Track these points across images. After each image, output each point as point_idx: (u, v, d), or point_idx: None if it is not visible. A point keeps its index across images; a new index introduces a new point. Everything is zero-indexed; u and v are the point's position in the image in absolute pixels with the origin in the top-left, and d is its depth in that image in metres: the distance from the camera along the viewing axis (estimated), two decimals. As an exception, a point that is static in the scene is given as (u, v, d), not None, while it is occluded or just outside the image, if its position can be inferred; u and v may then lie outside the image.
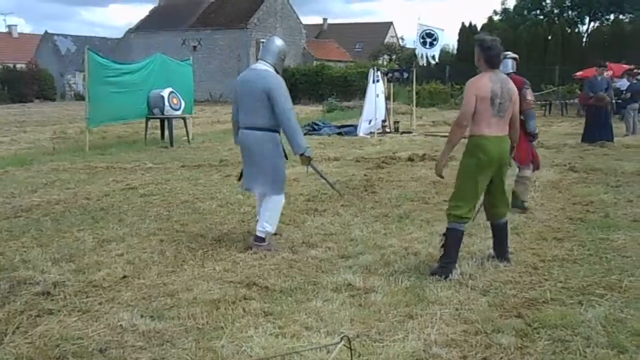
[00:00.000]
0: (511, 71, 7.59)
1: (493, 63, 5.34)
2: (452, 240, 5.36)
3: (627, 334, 4.05)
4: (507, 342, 3.96)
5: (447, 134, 17.69)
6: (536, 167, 8.14)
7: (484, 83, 5.26)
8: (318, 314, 4.42)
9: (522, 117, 6.99)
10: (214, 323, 4.28)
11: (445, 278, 5.18)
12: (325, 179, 7.07)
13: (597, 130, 15.56)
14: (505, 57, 7.31)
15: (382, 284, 5.03)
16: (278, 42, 6.28)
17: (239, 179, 6.55)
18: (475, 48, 5.44)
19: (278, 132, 6.09)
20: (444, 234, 5.44)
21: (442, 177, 5.68)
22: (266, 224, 6.06)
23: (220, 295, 4.78)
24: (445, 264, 5.32)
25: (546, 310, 4.46)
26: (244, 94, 6.10)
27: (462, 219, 5.34)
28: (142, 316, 4.41)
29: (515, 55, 7.95)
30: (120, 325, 4.26)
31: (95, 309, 4.57)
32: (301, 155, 6.08)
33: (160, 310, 4.52)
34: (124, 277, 5.24)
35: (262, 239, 6.07)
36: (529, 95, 7.60)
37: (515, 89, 5.48)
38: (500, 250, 5.72)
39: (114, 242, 6.37)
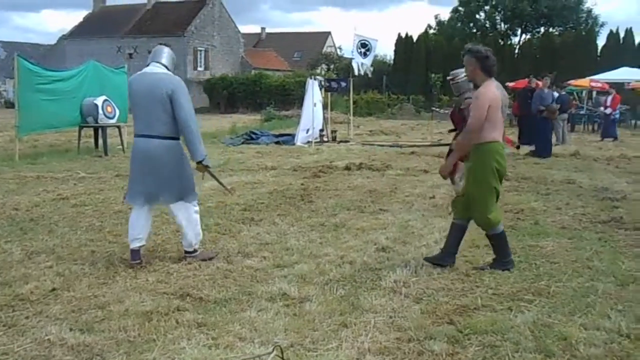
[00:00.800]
0: None
1: (491, 72, 5.57)
2: (502, 242, 5.75)
3: (554, 339, 4.16)
4: (439, 348, 4.01)
5: (383, 143, 17.91)
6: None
7: (494, 92, 5.50)
8: (252, 324, 4.39)
9: None
10: (145, 335, 4.20)
11: (511, 268, 5.64)
12: (217, 180, 6.71)
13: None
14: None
15: (317, 293, 5.03)
16: (167, 48, 6.01)
17: (125, 196, 6.13)
18: (469, 59, 5.65)
19: (179, 139, 5.80)
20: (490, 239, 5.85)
21: (445, 178, 6.03)
22: (190, 239, 5.95)
23: (152, 306, 4.70)
24: (505, 262, 5.69)
25: (477, 317, 4.54)
26: (140, 99, 5.66)
27: (499, 221, 5.72)
28: (71, 329, 4.28)
29: None
30: (48, 339, 4.13)
31: (21, 323, 4.42)
32: (199, 162, 5.87)
33: (90, 323, 4.40)
34: (53, 289, 5.09)
35: (192, 251, 5.99)
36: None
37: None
38: (452, 252, 5.88)
39: (44, 253, 6.19)
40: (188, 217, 5.92)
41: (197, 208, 6.08)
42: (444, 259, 5.81)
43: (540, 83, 19.13)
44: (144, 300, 4.85)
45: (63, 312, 4.62)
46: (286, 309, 4.71)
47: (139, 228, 5.84)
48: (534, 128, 18.99)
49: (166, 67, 5.79)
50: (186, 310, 4.65)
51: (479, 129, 5.45)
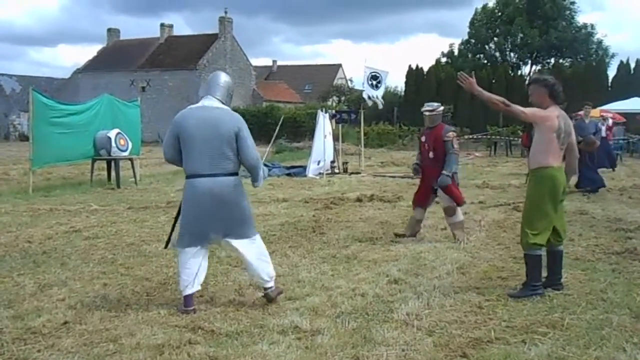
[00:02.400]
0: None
1: (559, 98, 5.83)
2: (535, 265, 5.86)
3: (568, 372, 4.11)
4: (452, 382, 3.97)
5: (395, 174, 17.85)
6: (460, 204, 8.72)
7: (554, 118, 5.73)
8: (264, 358, 4.37)
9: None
10: (157, 369, 4.19)
11: (540, 295, 5.76)
12: None
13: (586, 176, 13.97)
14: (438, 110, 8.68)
15: (328, 326, 5.01)
16: (224, 76, 5.72)
17: (168, 241, 5.97)
18: (536, 88, 5.91)
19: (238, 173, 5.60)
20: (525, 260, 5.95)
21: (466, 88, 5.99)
22: (268, 270, 5.64)
23: (164, 339, 4.69)
24: (535, 287, 5.82)
25: (491, 350, 4.50)
26: (202, 135, 5.32)
27: (540, 245, 5.83)
28: (82, 363, 4.29)
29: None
30: (60, 373, 4.14)
31: (33, 356, 4.42)
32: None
33: (102, 357, 4.40)
34: (65, 322, 5.10)
35: (271, 286, 5.67)
36: (455, 143, 8.51)
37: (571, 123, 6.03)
38: (554, 278, 6.06)
39: (56, 286, 6.21)
40: (259, 252, 5.64)
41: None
42: (552, 283, 6.03)
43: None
44: (155, 333, 4.84)
45: (75, 345, 4.62)
46: (298, 342, 4.69)
47: (196, 272, 5.48)
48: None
49: (221, 101, 5.56)
50: (198, 344, 4.63)
51: (519, 115, 5.80)
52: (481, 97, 5.87)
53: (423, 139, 8.76)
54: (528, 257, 5.90)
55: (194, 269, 5.46)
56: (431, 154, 8.49)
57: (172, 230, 5.95)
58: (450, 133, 8.44)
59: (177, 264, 5.61)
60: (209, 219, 5.41)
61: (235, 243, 5.53)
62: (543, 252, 5.92)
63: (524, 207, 6.06)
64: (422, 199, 8.83)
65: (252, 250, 5.60)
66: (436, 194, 8.67)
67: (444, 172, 8.32)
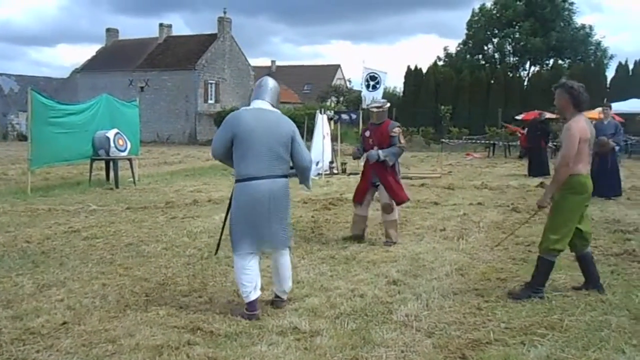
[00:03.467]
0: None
1: (582, 107, 5.81)
2: (546, 270, 5.90)
3: (568, 374, 4.12)
4: (451, 383, 3.97)
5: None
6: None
7: (583, 126, 5.74)
8: (263, 359, 4.37)
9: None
10: (156, 370, 4.19)
11: (540, 297, 5.76)
12: None
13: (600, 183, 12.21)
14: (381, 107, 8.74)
15: (327, 327, 5.01)
16: (272, 81, 5.78)
17: (218, 247, 6.07)
18: (561, 94, 5.88)
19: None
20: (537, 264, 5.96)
21: (543, 208, 6.09)
22: (290, 284, 5.70)
23: (163, 340, 4.68)
24: (537, 289, 5.82)
25: (490, 351, 4.51)
26: (264, 137, 5.31)
27: (558, 251, 5.89)
28: (81, 364, 4.28)
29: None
30: (59, 373, 4.14)
31: (32, 357, 4.42)
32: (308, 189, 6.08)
33: (101, 357, 4.40)
34: (64, 323, 5.09)
35: (285, 298, 5.70)
36: (402, 138, 8.77)
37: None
38: (593, 279, 6.09)
39: (54, 287, 6.20)
40: (289, 261, 5.68)
41: None
42: (597, 287, 6.04)
43: (549, 115, 19.06)
44: (154, 334, 4.83)
45: (74, 346, 4.62)
46: (297, 343, 4.69)
47: (256, 277, 5.42)
48: (544, 159, 18.98)
49: (272, 104, 5.60)
50: (197, 345, 4.63)
51: (572, 160, 5.67)
52: (549, 192, 5.96)
53: (367, 134, 8.79)
54: (542, 260, 5.89)
55: (255, 274, 5.41)
56: (376, 149, 8.53)
57: (221, 236, 5.97)
58: (397, 129, 8.63)
59: (235, 271, 5.49)
60: (268, 221, 5.36)
61: (280, 252, 5.57)
62: (555, 258, 5.93)
63: (550, 212, 5.95)
64: (362, 195, 8.81)
65: (287, 259, 5.64)
66: (377, 188, 8.71)
67: (380, 151, 8.45)
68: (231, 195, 5.54)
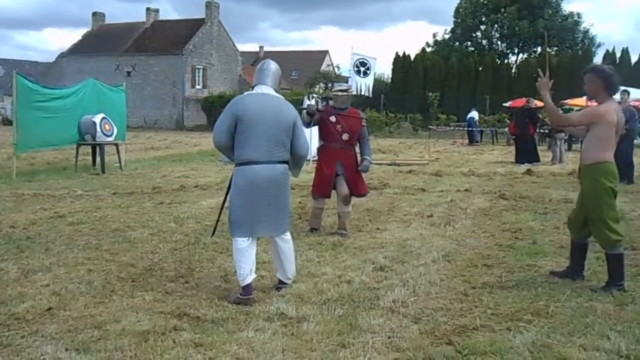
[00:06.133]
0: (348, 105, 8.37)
1: (614, 90, 5.72)
2: (620, 263, 5.73)
3: (553, 359, 4.13)
4: (437, 369, 3.98)
5: (381, 162, 17.85)
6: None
7: (612, 113, 5.61)
8: (250, 344, 4.36)
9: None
10: (142, 355, 4.16)
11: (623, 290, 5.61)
12: None
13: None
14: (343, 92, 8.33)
15: (314, 313, 5.00)
16: (274, 64, 5.76)
17: (215, 230, 6.05)
18: (592, 77, 5.78)
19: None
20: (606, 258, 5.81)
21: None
22: (294, 268, 5.79)
23: (149, 326, 4.66)
24: (619, 285, 5.65)
25: (476, 337, 4.52)
26: (267, 122, 5.32)
27: (619, 241, 5.72)
28: (67, 349, 4.24)
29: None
30: (44, 359, 4.10)
31: (17, 342, 4.38)
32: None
33: (87, 343, 4.37)
34: (49, 309, 5.05)
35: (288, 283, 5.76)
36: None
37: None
38: (577, 269, 6.02)
39: (40, 272, 6.15)
40: (291, 247, 5.76)
41: None
42: (574, 274, 6.01)
43: (537, 103, 19.10)
44: (140, 320, 4.81)
45: (59, 331, 4.59)
46: (284, 328, 4.68)
47: (253, 262, 5.48)
48: (532, 146, 19.07)
49: (274, 89, 5.60)
50: (183, 330, 4.61)
51: (565, 123, 5.99)
52: (545, 100, 5.88)
53: (333, 119, 8.14)
54: (611, 256, 5.72)
55: (252, 257, 5.45)
56: (345, 136, 8.10)
57: (219, 218, 6.00)
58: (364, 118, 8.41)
59: (233, 254, 5.50)
60: (266, 206, 5.40)
61: (279, 238, 5.62)
62: (623, 249, 5.84)
63: (588, 206, 5.76)
64: (327, 187, 8.22)
65: (288, 244, 5.70)
66: (336, 178, 8.17)
67: (366, 157, 8.22)
68: (230, 179, 5.56)
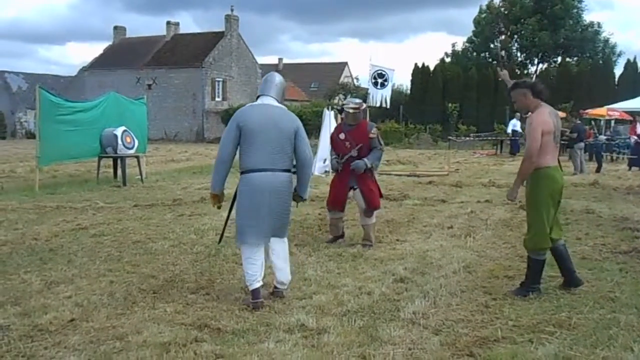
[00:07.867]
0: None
1: (543, 95, 5.81)
2: (538, 269, 5.86)
3: (576, 372, 4.10)
4: (459, 381, 3.96)
5: (401, 173, 17.81)
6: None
7: (546, 118, 5.69)
8: (270, 356, 4.37)
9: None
10: (163, 367, 4.19)
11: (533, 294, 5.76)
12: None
13: None
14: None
15: (335, 324, 5.00)
16: (278, 77, 5.95)
17: (222, 237, 6.21)
18: (515, 92, 5.96)
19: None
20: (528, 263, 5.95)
21: (513, 201, 6.30)
22: (288, 273, 5.86)
23: (170, 337, 4.69)
24: (533, 287, 5.81)
25: (497, 349, 4.49)
26: (265, 132, 5.48)
27: (544, 249, 5.83)
28: (89, 360, 4.29)
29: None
30: (67, 370, 4.14)
31: (40, 353, 4.43)
32: (303, 199, 5.98)
33: (109, 354, 4.40)
34: (72, 320, 5.11)
35: (285, 287, 5.88)
36: (381, 139, 8.42)
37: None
38: (570, 274, 6.03)
39: (62, 284, 6.22)
40: (287, 253, 5.90)
41: None
42: (570, 283, 6.02)
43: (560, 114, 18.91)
44: (162, 331, 4.84)
45: (82, 342, 4.63)
46: (304, 340, 4.69)
47: (260, 267, 5.62)
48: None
49: (277, 100, 5.76)
50: (204, 342, 4.63)
51: (536, 153, 5.63)
52: (519, 184, 5.98)
53: (342, 136, 8.24)
54: (533, 261, 5.88)
55: (259, 263, 5.61)
56: (354, 152, 8.08)
57: (225, 226, 6.12)
58: (375, 129, 8.29)
59: (242, 260, 5.69)
60: (269, 213, 5.57)
61: (274, 240, 5.73)
62: (544, 256, 5.90)
63: (527, 209, 5.99)
64: (341, 202, 8.35)
65: (284, 249, 5.85)
66: (351, 190, 8.26)
67: (365, 159, 8.06)
68: (236, 188, 5.69)
